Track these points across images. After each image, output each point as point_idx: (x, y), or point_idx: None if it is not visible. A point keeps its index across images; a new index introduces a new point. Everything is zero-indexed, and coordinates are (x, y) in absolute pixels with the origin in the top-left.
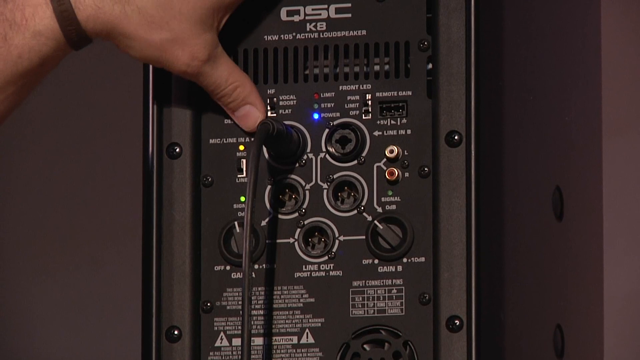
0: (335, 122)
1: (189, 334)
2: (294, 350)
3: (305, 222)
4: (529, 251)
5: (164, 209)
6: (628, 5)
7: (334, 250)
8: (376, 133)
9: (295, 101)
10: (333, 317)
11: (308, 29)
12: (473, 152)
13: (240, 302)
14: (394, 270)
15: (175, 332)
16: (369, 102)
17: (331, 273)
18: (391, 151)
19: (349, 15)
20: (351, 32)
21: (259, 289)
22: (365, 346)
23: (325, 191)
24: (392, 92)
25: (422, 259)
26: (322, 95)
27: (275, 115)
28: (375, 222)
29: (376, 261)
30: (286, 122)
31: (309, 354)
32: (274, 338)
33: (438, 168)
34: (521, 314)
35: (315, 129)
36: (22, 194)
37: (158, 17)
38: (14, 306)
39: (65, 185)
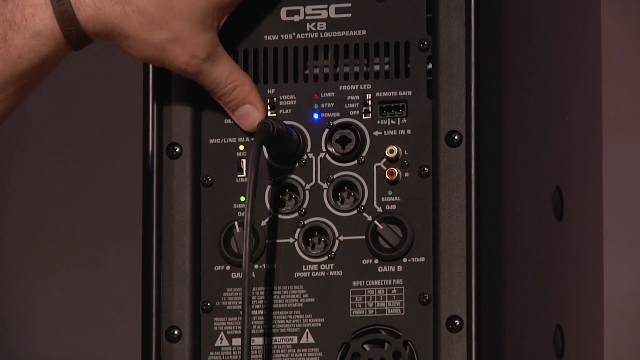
0: (335, 122)
1: (189, 334)
2: (294, 350)
3: (305, 222)
4: (529, 251)
5: (164, 209)
6: (628, 5)
7: (334, 250)
8: (376, 133)
9: (295, 101)
10: (333, 317)
11: (308, 29)
12: (473, 152)
13: (240, 302)
14: (394, 270)
15: (175, 332)
16: (369, 102)
17: (331, 273)
18: (391, 151)
19: (349, 15)
20: (351, 32)
21: (259, 289)
22: (365, 346)
23: (325, 191)
24: (392, 92)
25: (422, 259)
26: (322, 95)
27: (275, 115)
28: (375, 222)
29: (376, 261)
30: (286, 122)
31: (309, 354)
32: (274, 338)
33: (438, 168)
34: (521, 314)
35: (315, 129)
36: (22, 194)
37: (158, 17)
38: (14, 306)
39: (65, 185)
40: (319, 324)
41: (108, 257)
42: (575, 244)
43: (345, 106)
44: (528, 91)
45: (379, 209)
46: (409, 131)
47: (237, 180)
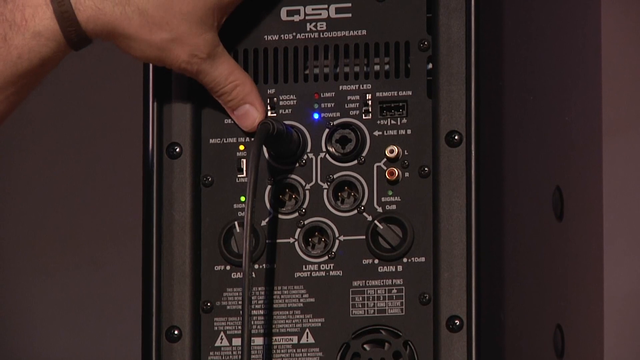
0: (335, 122)
1: (189, 334)
2: (294, 350)
3: (306, 222)
4: (529, 251)
5: (164, 209)
6: (628, 5)
7: (334, 250)
8: (376, 133)
9: (295, 101)
10: (333, 317)
11: (308, 29)
12: (473, 152)
13: (240, 302)
14: (394, 270)
15: (176, 332)
16: (369, 102)
17: (331, 273)
18: (391, 151)
19: (349, 15)
20: (351, 32)
21: (259, 288)
22: (365, 346)
23: (325, 191)
24: (392, 92)
25: (422, 259)
26: (322, 95)
27: (275, 115)
28: (376, 222)
29: (376, 261)
30: (286, 122)
31: (309, 354)
32: (274, 338)
33: (438, 168)
34: (521, 314)
35: (316, 129)
36: (22, 194)
37: (158, 17)
38: (14, 306)
39: (65, 185)
40: (319, 324)
41: (108, 257)
42: (575, 244)
43: (346, 106)
44: (528, 91)
45: (379, 209)
46: (409, 131)
47: (237, 180)
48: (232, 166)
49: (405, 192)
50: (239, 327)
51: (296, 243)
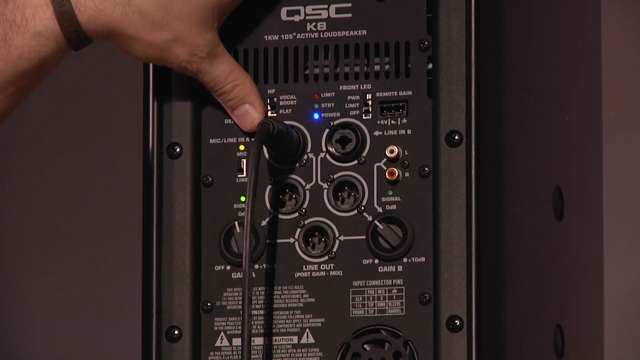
0: (335, 122)
1: (189, 334)
2: (294, 350)
3: (306, 222)
4: (529, 251)
5: (164, 209)
6: (628, 5)
7: (334, 250)
8: (376, 133)
9: (295, 101)
10: (333, 317)
11: (308, 29)
12: (473, 152)
13: (240, 302)
14: (394, 270)
15: (176, 332)
16: (369, 102)
17: (331, 273)
18: (391, 151)
19: (349, 15)
20: (351, 32)
21: (259, 289)
22: (365, 346)
23: (325, 191)
24: (393, 92)
25: (422, 259)
26: (322, 95)
27: (275, 115)
28: (376, 222)
29: (376, 261)
30: (286, 122)
31: (309, 354)
32: (274, 338)
33: (438, 168)
34: (521, 314)
35: (316, 129)
36: (22, 194)
37: (159, 17)
38: (14, 306)
39: (65, 185)
40: (319, 324)
41: (108, 257)
42: (575, 244)
43: (346, 106)
44: (528, 91)
45: (379, 209)
46: (409, 131)
47: (237, 180)
48: (232, 166)
49: (405, 192)
50: (239, 327)
51: (296, 243)
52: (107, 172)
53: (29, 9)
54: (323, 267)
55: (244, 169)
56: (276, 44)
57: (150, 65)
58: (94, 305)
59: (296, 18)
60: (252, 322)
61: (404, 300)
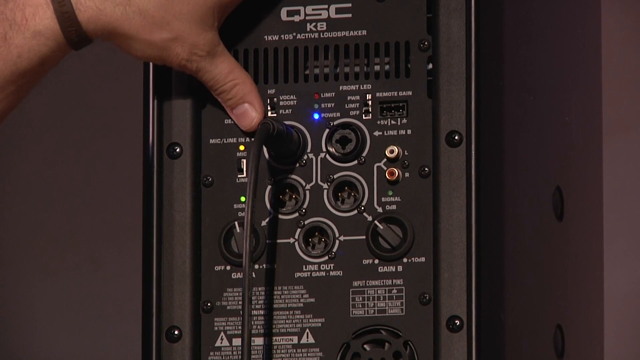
0: (335, 122)
1: (189, 334)
2: (294, 350)
3: (306, 222)
4: (529, 251)
5: (164, 209)
6: (628, 5)
7: (334, 250)
8: (376, 133)
9: (295, 101)
10: (333, 317)
11: (308, 29)
12: (473, 152)
13: (240, 302)
14: (394, 270)
15: (176, 332)
16: (369, 102)
17: (331, 273)
18: (391, 151)
19: (349, 15)
20: (351, 32)
21: (259, 289)
22: (365, 346)
23: (325, 191)
24: (393, 92)
25: (422, 259)
26: (322, 95)
27: (275, 115)
28: (376, 222)
29: (376, 261)
30: (286, 122)
31: (309, 354)
32: (274, 338)
33: (438, 168)
34: (521, 314)
35: (316, 129)
36: (22, 194)
37: (159, 17)
38: (14, 306)
39: (65, 185)
40: (319, 324)
41: (108, 257)
42: (575, 244)
43: (346, 106)
44: (528, 91)
45: (379, 209)
46: (409, 131)
47: (237, 181)
48: (232, 166)
49: (405, 192)
50: (239, 327)
51: (296, 243)
52: (107, 172)
53: (29, 8)
54: (323, 267)
55: (244, 169)
56: (276, 44)
57: (150, 65)
58: (94, 305)
59: (296, 18)
60: (252, 322)
61: (404, 300)
